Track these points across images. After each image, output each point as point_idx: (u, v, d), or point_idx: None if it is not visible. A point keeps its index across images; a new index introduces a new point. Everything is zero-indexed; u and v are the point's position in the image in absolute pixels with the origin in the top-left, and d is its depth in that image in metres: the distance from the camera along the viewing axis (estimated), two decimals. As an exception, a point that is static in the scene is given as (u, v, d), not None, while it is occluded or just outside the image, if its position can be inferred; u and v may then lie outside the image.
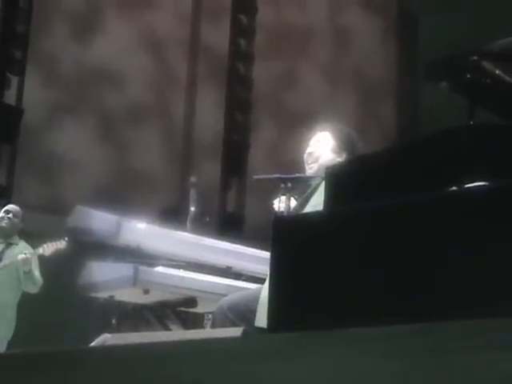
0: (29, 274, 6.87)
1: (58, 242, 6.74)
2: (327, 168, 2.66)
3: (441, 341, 1.49)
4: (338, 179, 2.59)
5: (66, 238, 6.61)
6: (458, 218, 2.07)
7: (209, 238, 5.81)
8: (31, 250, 6.92)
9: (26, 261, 6.80)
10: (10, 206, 7.37)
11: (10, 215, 7.18)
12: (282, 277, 2.29)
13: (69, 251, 6.58)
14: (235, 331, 3.69)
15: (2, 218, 7.16)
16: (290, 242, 2.35)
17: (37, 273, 7.01)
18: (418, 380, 1.51)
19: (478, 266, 1.95)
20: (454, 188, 2.14)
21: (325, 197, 2.55)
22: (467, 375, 1.46)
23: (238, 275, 5.62)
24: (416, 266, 2.06)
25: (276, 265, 2.34)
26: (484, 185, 2.07)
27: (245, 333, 2.54)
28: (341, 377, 1.60)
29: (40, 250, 6.83)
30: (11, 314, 7.04)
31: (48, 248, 6.79)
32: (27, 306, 7.14)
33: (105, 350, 2.88)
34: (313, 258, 2.26)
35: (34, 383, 2.14)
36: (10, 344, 6.87)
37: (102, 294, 5.41)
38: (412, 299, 2.02)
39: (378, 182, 2.48)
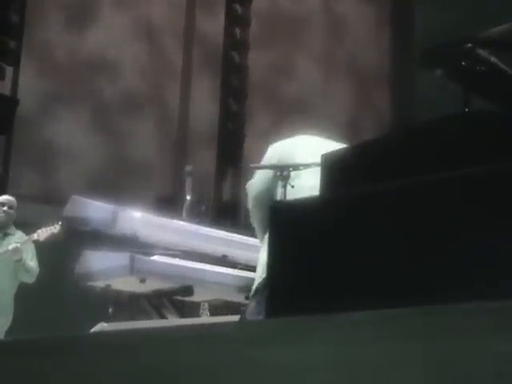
0: (19, 262, 6.87)
1: (52, 227, 6.74)
2: (323, 155, 2.67)
3: (440, 324, 1.51)
4: (334, 166, 2.60)
5: (60, 223, 6.61)
6: (454, 201, 2.08)
7: (204, 226, 5.83)
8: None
9: (16, 250, 6.81)
10: (4, 198, 7.34)
11: (5, 207, 7.18)
12: (279, 262, 2.30)
13: (65, 241, 6.58)
14: (232, 318, 3.72)
15: (-2, 210, 7.15)
16: (287, 227, 2.36)
17: (32, 262, 7.01)
18: (418, 363, 1.52)
19: (476, 248, 1.97)
20: (450, 173, 2.15)
21: (321, 183, 2.56)
22: (466, 357, 1.47)
23: (233, 264, 5.63)
24: (414, 250, 2.08)
25: (273, 250, 2.35)
26: (479, 169, 2.09)
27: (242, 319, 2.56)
28: (340, 361, 1.61)
29: (34, 236, 6.84)
30: (9, 304, 7.05)
31: (42, 233, 6.79)
32: (25, 295, 7.15)
33: (102, 336, 2.89)
34: (310, 243, 2.27)
35: (31, 369, 2.15)
36: (7, 333, 6.88)
37: (99, 284, 5.42)
38: (410, 282, 2.04)
39: (374, 169, 2.49)
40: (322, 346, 1.63)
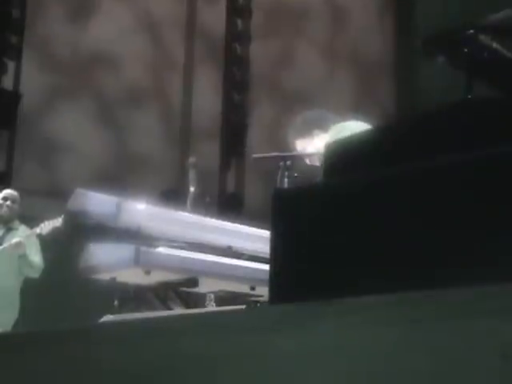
0: (23, 257, 6.89)
1: (55, 220, 6.75)
2: (326, 144, 2.68)
3: (442, 308, 1.51)
4: (337, 154, 2.60)
5: (63, 216, 6.62)
6: (458, 186, 2.08)
7: (209, 218, 5.82)
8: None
9: (18, 244, 6.82)
10: (7, 192, 7.33)
11: (9, 202, 7.18)
12: (282, 249, 2.30)
13: (69, 234, 6.59)
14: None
15: (1, 205, 7.15)
16: (290, 213, 2.36)
17: (36, 257, 7.02)
18: (420, 348, 1.52)
19: (479, 233, 1.97)
20: (450, 159, 2.15)
21: (323, 170, 2.57)
22: (468, 342, 1.47)
23: (238, 255, 5.63)
24: (417, 235, 2.08)
25: (277, 237, 2.35)
26: (480, 155, 2.08)
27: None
28: (343, 347, 1.61)
29: (37, 230, 6.85)
30: (15, 298, 7.06)
31: (45, 227, 6.80)
32: (30, 289, 7.17)
33: (107, 326, 2.89)
34: (313, 230, 2.27)
35: (34, 361, 2.16)
36: (14, 327, 6.89)
37: (104, 276, 5.42)
38: (414, 267, 2.04)
39: (376, 157, 2.49)
40: (325, 333, 1.63)
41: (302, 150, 4.61)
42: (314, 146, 4.55)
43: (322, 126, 4.63)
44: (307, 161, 4.61)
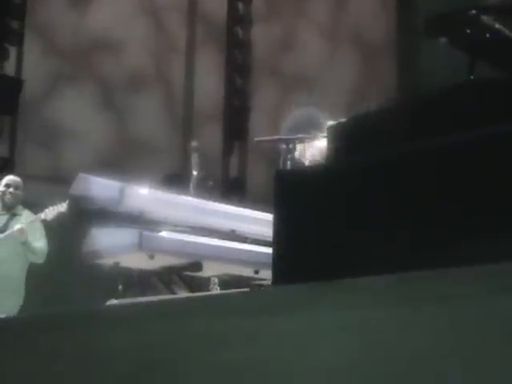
0: (26, 244, 6.88)
1: (60, 206, 6.73)
2: (329, 126, 2.68)
3: (443, 288, 1.51)
4: (339, 136, 2.60)
5: (67, 201, 6.60)
6: (460, 166, 2.07)
7: (212, 201, 5.82)
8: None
9: (20, 231, 6.81)
10: (9, 179, 7.27)
11: (12, 189, 7.15)
12: (285, 230, 2.30)
13: (73, 219, 6.59)
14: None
15: (4, 192, 7.12)
16: (292, 195, 2.36)
17: (40, 243, 7.01)
18: (421, 327, 1.52)
19: (481, 213, 1.97)
20: (455, 138, 2.14)
21: (326, 152, 2.56)
22: (469, 321, 1.48)
23: (242, 238, 5.64)
24: (417, 217, 2.08)
25: (279, 219, 2.35)
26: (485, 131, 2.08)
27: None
28: (344, 327, 1.61)
29: (42, 216, 6.84)
30: (20, 284, 7.06)
31: (50, 212, 6.79)
32: (35, 274, 7.17)
33: (111, 309, 2.90)
34: (315, 211, 2.27)
35: (36, 344, 2.17)
36: (19, 313, 6.91)
37: (107, 261, 5.43)
38: (413, 247, 2.04)
39: (378, 138, 2.48)
40: (326, 313, 1.63)
41: (301, 150, 4.58)
42: (312, 145, 4.54)
43: (316, 124, 4.60)
44: (307, 162, 4.59)
